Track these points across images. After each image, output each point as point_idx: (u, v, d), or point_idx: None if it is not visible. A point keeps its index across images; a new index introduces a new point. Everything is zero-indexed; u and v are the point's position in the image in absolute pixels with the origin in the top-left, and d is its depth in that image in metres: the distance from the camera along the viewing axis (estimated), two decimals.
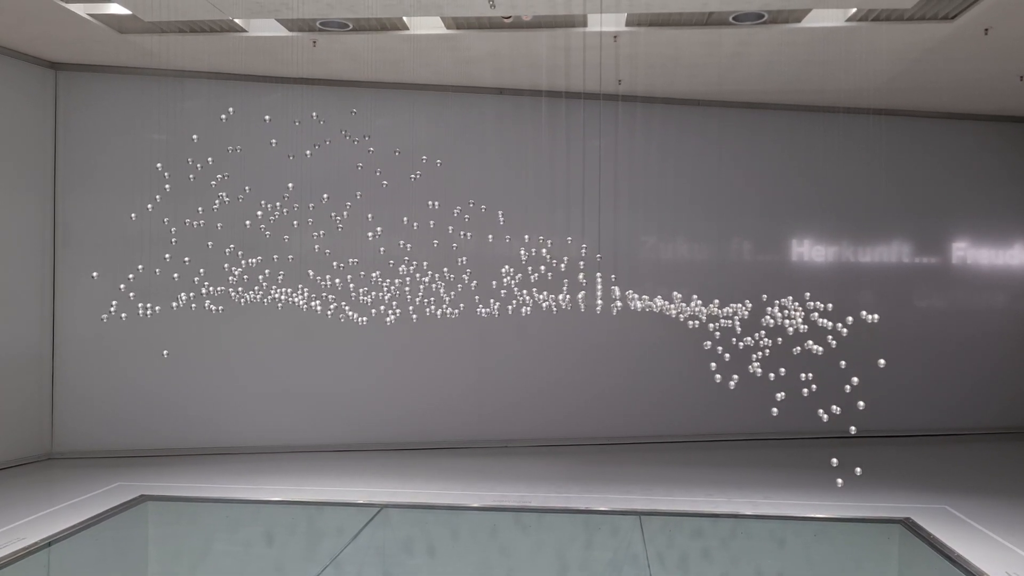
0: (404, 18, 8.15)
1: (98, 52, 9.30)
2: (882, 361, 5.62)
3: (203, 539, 7.76)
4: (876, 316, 5.72)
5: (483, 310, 7.68)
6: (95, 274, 6.90)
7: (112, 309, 6.77)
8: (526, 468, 9.54)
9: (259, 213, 7.54)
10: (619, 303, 6.76)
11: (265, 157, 10.13)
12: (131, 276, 6.81)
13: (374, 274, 7.96)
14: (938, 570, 6.35)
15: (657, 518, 7.61)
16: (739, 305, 6.43)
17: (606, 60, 8.59)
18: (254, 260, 7.70)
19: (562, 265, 7.64)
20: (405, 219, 7.90)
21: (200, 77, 9.92)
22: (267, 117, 6.95)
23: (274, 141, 7.15)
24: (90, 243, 9.94)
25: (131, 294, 6.77)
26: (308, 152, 7.09)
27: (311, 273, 7.95)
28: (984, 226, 11.95)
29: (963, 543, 6.62)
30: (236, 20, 8.10)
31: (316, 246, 8.06)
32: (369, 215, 7.46)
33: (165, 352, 7.33)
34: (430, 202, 7.72)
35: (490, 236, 7.95)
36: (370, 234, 7.47)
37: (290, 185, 7.45)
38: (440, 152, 10.52)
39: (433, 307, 8.06)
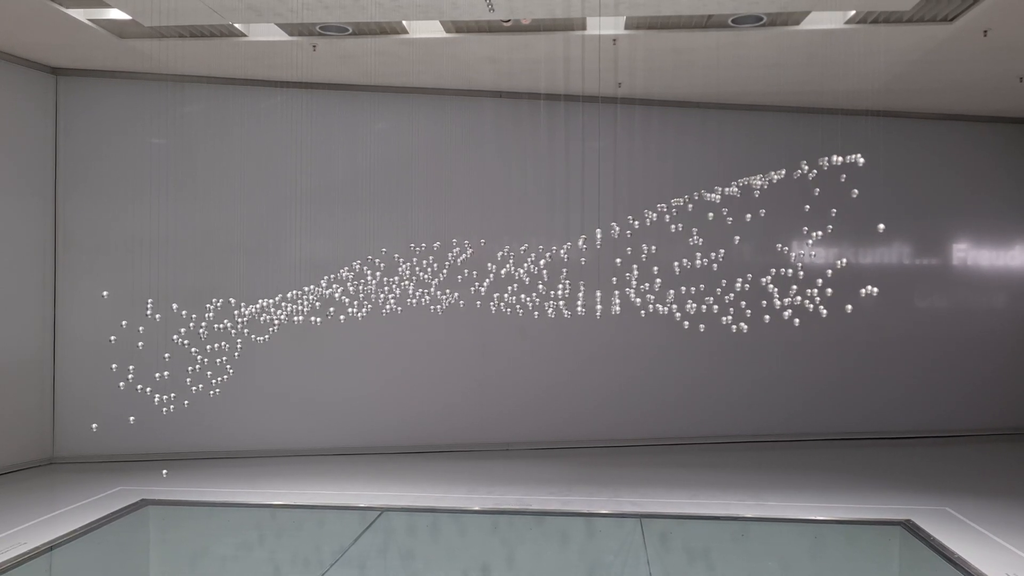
0: (404, 22, 8.17)
1: (98, 57, 9.33)
2: (881, 226, 5.70)
3: (204, 543, 7.77)
4: (876, 289, 5.76)
5: (491, 303, 7.71)
6: (105, 293, 6.85)
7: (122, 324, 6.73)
8: (527, 471, 9.55)
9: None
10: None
11: (267, 160, 10.20)
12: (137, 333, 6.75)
13: (376, 274, 7.99)
14: (939, 572, 6.35)
15: (658, 520, 7.62)
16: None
17: (605, 63, 8.61)
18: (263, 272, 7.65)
19: (564, 270, 7.65)
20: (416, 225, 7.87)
21: (200, 82, 9.95)
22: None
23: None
24: (91, 247, 9.96)
25: (124, 323, 6.73)
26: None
27: (316, 280, 7.96)
28: (984, 227, 11.95)
29: (964, 545, 6.62)
30: (236, 25, 8.12)
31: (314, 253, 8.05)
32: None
33: (164, 471, 7.29)
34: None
35: (490, 264, 7.94)
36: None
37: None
38: (440, 155, 10.58)
39: (432, 297, 8.08)
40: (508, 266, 7.76)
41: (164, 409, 6.41)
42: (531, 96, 10.47)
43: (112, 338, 6.56)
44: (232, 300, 7.46)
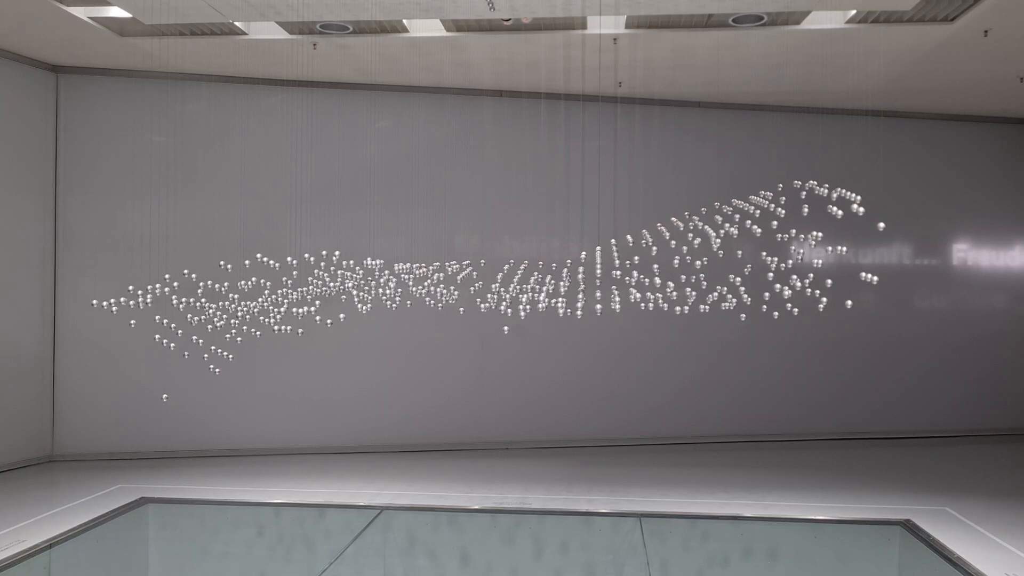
0: (404, 21, 8.17)
1: (99, 55, 9.33)
2: (881, 225, 5.62)
3: (203, 541, 7.78)
4: (875, 278, 5.75)
5: (483, 305, 7.72)
6: (94, 302, 6.85)
7: (112, 303, 6.76)
8: (526, 470, 9.54)
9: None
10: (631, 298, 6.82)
11: (267, 158, 10.19)
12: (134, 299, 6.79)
13: (375, 270, 8.00)
14: (938, 572, 6.35)
15: (657, 520, 7.61)
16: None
17: (605, 62, 8.61)
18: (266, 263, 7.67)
19: (564, 271, 7.66)
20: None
21: (200, 80, 9.95)
22: None
23: None
24: (91, 245, 9.96)
25: (123, 302, 6.76)
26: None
27: (313, 279, 7.95)
28: (984, 227, 11.95)
29: (963, 545, 6.61)
30: (236, 23, 8.12)
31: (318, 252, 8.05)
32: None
33: (164, 396, 7.34)
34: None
35: (493, 286, 7.94)
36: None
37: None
38: (440, 153, 10.59)
39: (434, 298, 8.09)
40: (511, 285, 7.78)
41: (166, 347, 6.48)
42: (531, 95, 10.47)
43: (113, 309, 6.61)
44: (233, 296, 7.47)
